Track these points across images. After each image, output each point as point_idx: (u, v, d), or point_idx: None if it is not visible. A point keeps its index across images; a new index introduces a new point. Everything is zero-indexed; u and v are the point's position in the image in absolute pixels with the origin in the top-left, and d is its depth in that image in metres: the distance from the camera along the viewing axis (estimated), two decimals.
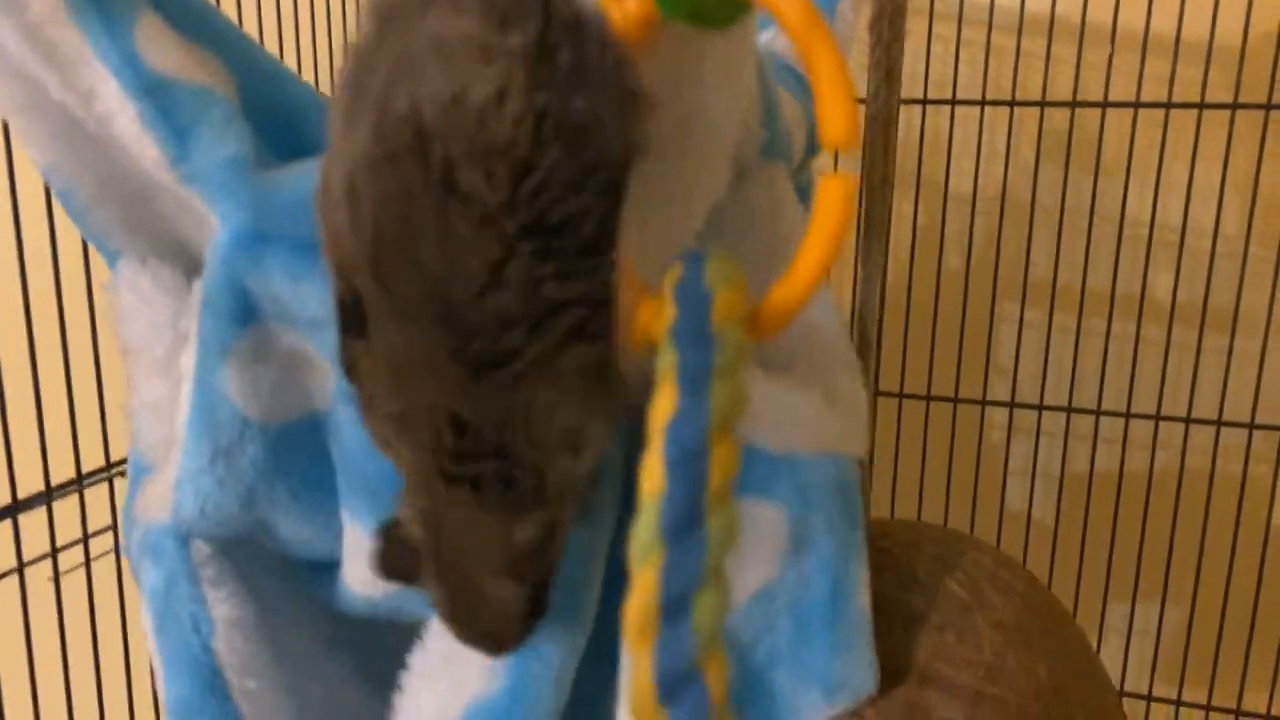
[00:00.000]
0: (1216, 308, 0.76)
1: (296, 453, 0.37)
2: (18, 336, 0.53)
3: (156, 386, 0.41)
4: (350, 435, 0.35)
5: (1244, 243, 0.77)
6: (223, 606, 0.36)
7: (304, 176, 0.34)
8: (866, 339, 0.49)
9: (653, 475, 0.22)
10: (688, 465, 0.22)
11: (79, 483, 0.57)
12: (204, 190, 0.34)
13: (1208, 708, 0.77)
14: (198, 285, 0.36)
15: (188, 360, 0.36)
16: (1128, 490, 0.79)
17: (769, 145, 0.42)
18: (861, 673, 0.40)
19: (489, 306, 0.29)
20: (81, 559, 0.58)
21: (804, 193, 0.49)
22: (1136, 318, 0.76)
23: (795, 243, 0.28)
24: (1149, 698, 0.78)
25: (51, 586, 0.57)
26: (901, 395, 0.79)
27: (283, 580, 0.42)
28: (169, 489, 0.36)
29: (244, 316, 0.35)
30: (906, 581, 0.45)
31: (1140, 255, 0.77)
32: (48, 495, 0.55)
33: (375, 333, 0.30)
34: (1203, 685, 0.76)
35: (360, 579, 0.39)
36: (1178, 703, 0.77)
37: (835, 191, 0.25)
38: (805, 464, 0.39)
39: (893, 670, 0.43)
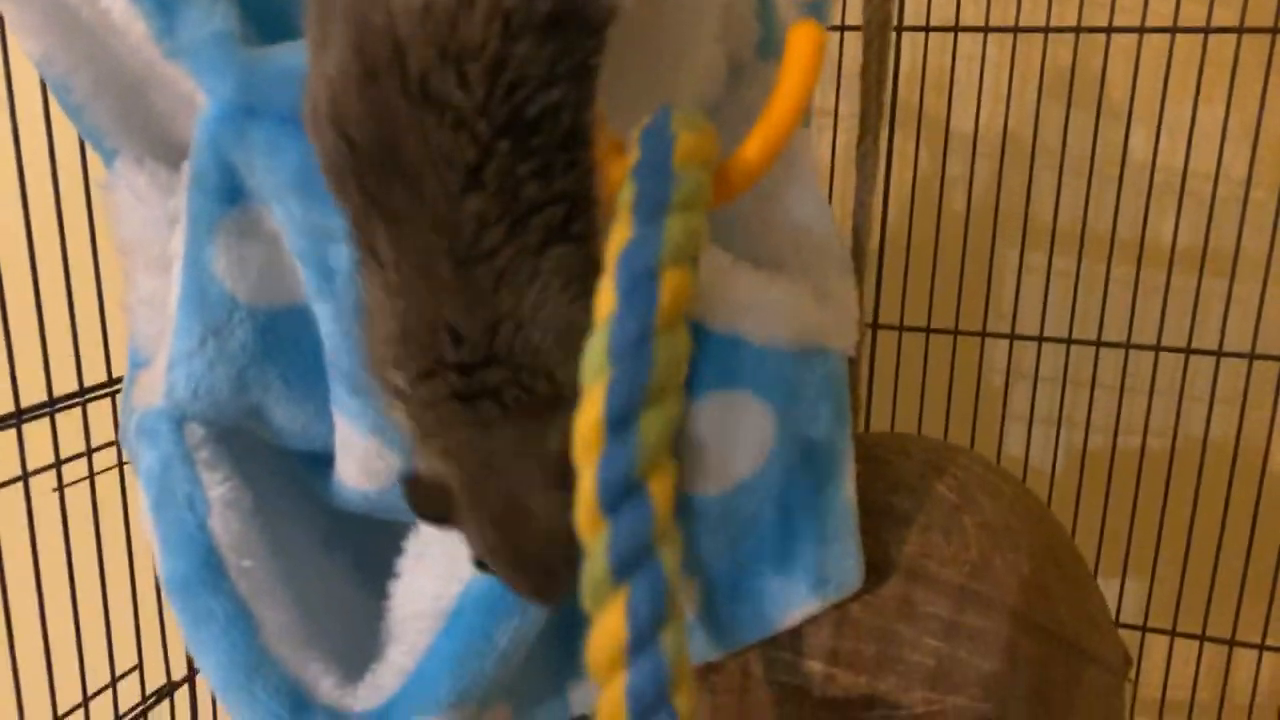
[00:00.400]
0: (1217, 250, 0.76)
1: (286, 340, 0.37)
2: (18, 247, 0.54)
3: (153, 283, 0.42)
4: (329, 333, 0.36)
5: (1245, 186, 0.76)
6: (218, 488, 0.37)
7: (289, 53, 0.34)
8: (861, 245, 0.49)
9: (604, 300, 0.22)
10: (638, 290, 0.22)
11: (81, 395, 0.58)
12: (191, 65, 0.34)
13: (1201, 638, 0.77)
14: (183, 175, 0.37)
15: (177, 242, 0.37)
16: (1125, 425, 0.79)
17: (764, 44, 0.42)
18: (847, 566, 0.41)
19: (469, 208, 0.29)
20: (86, 472, 0.59)
21: None
22: (1137, 260, 0.76)
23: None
24: (1144, 628, 0.79)
25: (56, 498, 0.58)
26: (901, 328, 0.79)
27: (279, 474, 0.42)
28: (161, 375, 0.37)
29: (231, 195, 0.35)
30: (895, 485, 0.46)
31: (1141, 197, 0.77)
32: (50, 405, 0.56)
33: (370, 248, 0.31)
34: (1197, 616, 0.77)
35: (352, 474, 0.39)
36: (1172, 633, 0.78)
37: (805, 40, 0.25)
38: (793, 357, 0.39)
39: (880, 567, 0.43)
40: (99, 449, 0.60)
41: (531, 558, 0.33)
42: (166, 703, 0.67)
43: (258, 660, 0.36)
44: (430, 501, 0.33)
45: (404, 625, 0.39)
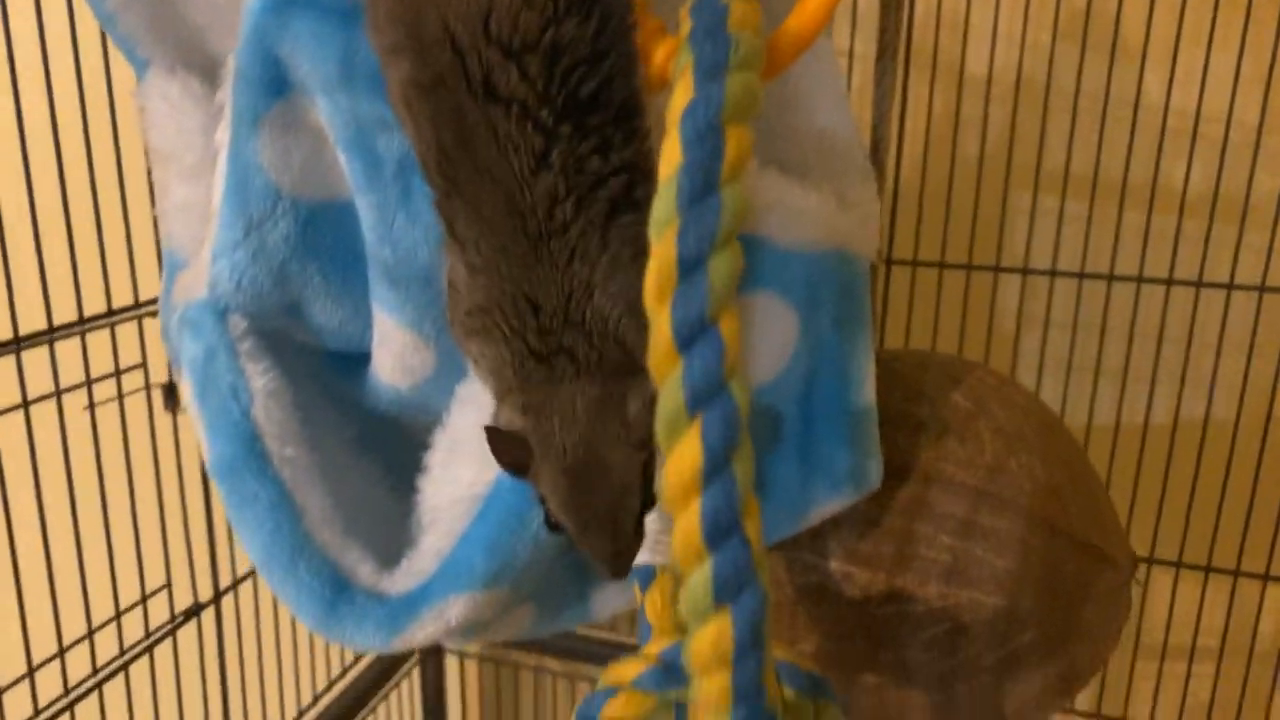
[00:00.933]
0: (1228, 193, 0.76)
1: (326, 235, 0.38)
2: (49, 171, 0.54)
3: (187, 190, 0.43)
4: (373, 225, 0.37)
5: (1257, 130, 0.76)
6: (261, 379, 0.38)
7: None
8: (880, 160, 0.50)
9: (670, 156, 0.23)
10: (703, 142, 0.23)
11: (109, 315, 0.59)
12: None
13: (1207, 569, 0.79)
14: (231, 59, 0.37)
15: (222, 134, 0.37)
16: (1135, 361, 0.80)
17: None
18: (867, 466, 0.42)
19: (539, 189, 0.32)
20: (115, 392, 0.60)
21: None
22: (1149, 202, 0.77)
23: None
24: (1150, 560, 0.80)
25: (88, 415, 0.59)
26: (915, 263, 0.79)
27: (314, 378, 0.43)
28: (205, 266, 0.38)
29: (276, 86, 0.36)
30: (913, 395, 0.47)
31: (1154, 141, 0.77)
32: (81, 324, 0.57)
33: (451, 227, 0.34)
34: (1203, 547, 0.78)
35: (388, 369, 0.40)
36: (1178, 564, 0.79)
37: None
38: (816, 260, 0.40)
39: (898, 471, 0.44)
40: (127, 371, 0.61)
41: (604, 515, 0.34)
42: (194, 624, 0.69)
43: (301, 543, 0.37)
44: (510, 452, 0.35)
45: (439, 513, 0.40)
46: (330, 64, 0.34)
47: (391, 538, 0.41)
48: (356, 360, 0.43)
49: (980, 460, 0.44)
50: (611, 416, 0.34)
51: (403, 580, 0.39)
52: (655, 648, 0.34)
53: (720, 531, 0.22)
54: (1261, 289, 0.73)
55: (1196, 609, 0.82)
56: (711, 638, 0.23)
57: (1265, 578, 0.78)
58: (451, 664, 1.03)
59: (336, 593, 0.38)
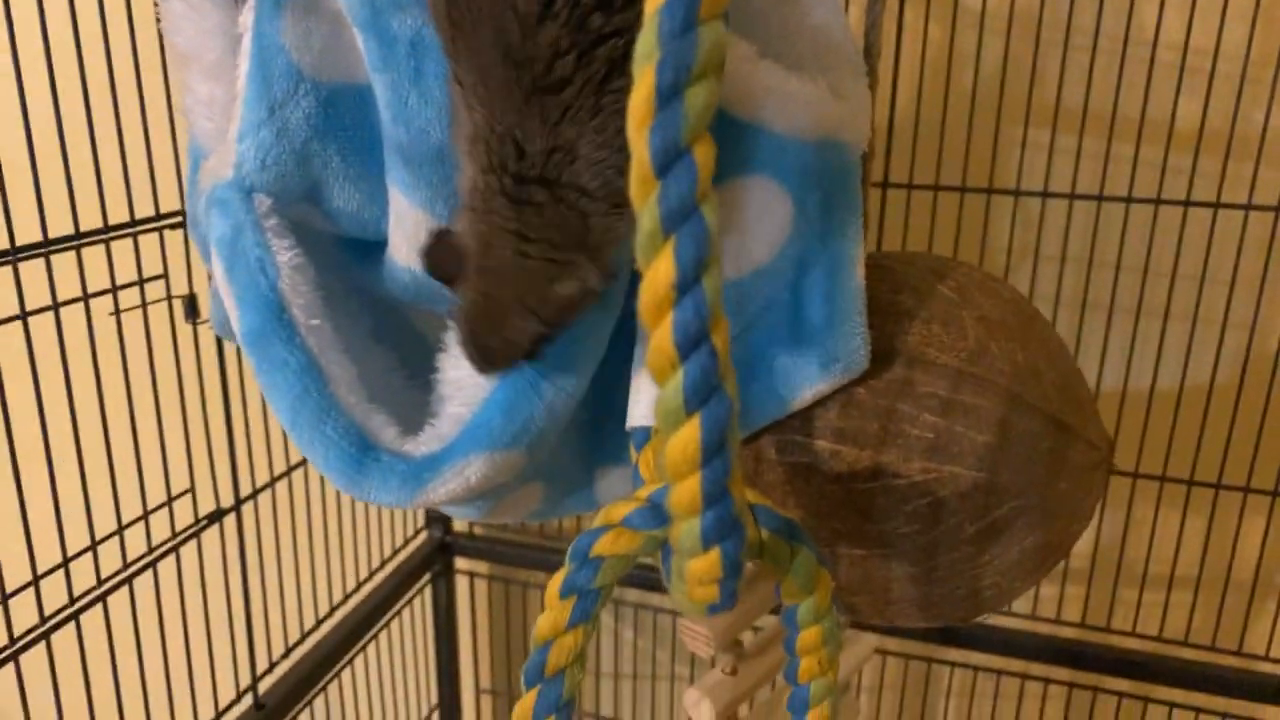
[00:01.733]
0: (1213, 129, 0.78)
1: (344, 116, 0.40)
2: (75, 87, 0.57)
3: (208, 87, 0.45)
4: (388, 103, 0.39)
5: (1243, 62, 0.78)
6: (286, 254, 0.40)
7: None
8: (873, 60, 0.51)
9: None
10: None
11: (132, 225, 0.62)
12: None
13: (1190, 483, 0.82)
14: None
15: (246, 16, 0.39)
16: (1124, 280, 0.82)
17: None
18: (855, 346, 0.45)
19: (543, 38, 0.33)
20: (139, 301, 0.63)
21: None
22: (1136, 138, 0.78)
23: None
24: (1135, 474, 0.83)
25: (113, 321, 0.62)
26: (911, 186, 0.81)
27: (335, 269, 0.46)
28: (232, 146, 0.40)
29: None
30: (900, 286, 0.49)
31: (1142, 75, 0.79)
32: (106, 231, 0.60)
33: (455, 69, 0.36)
34: (1186, 462, 0.81)
35: (403, 251, 0.43)
36: (1162, 479, 0.82)
37: None
38: (809, 147, 0.42)
39: (885, 356, 0.47)
40: (149, 280, 0.64)
41: (484, 345, 0.40)
42: (216, 529, 0.72)
43: (328, 405, 0.40)
44: (444, 262, 0.39)
45: (460, 385, 0.43)
46: None
47: (412, 411, 0.44)
48: (373, 251, 0.46)
49: (962, 344, 0.47)
50: (539, 282, 0.38)
51: (426, 443, 0.42)
52: (644, 492, 0.37)
53: (690, 342, 0.24)
54: (1248, 207, 0.76)
55: (1180, 519, 0.85)
56: (682, 443, 0.26)
57: (1246, 490, 0.81)
58: (461, 582, 1.06)
59: (363, 451, 0.40)
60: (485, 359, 0.40)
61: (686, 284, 0.24)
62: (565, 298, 0.38)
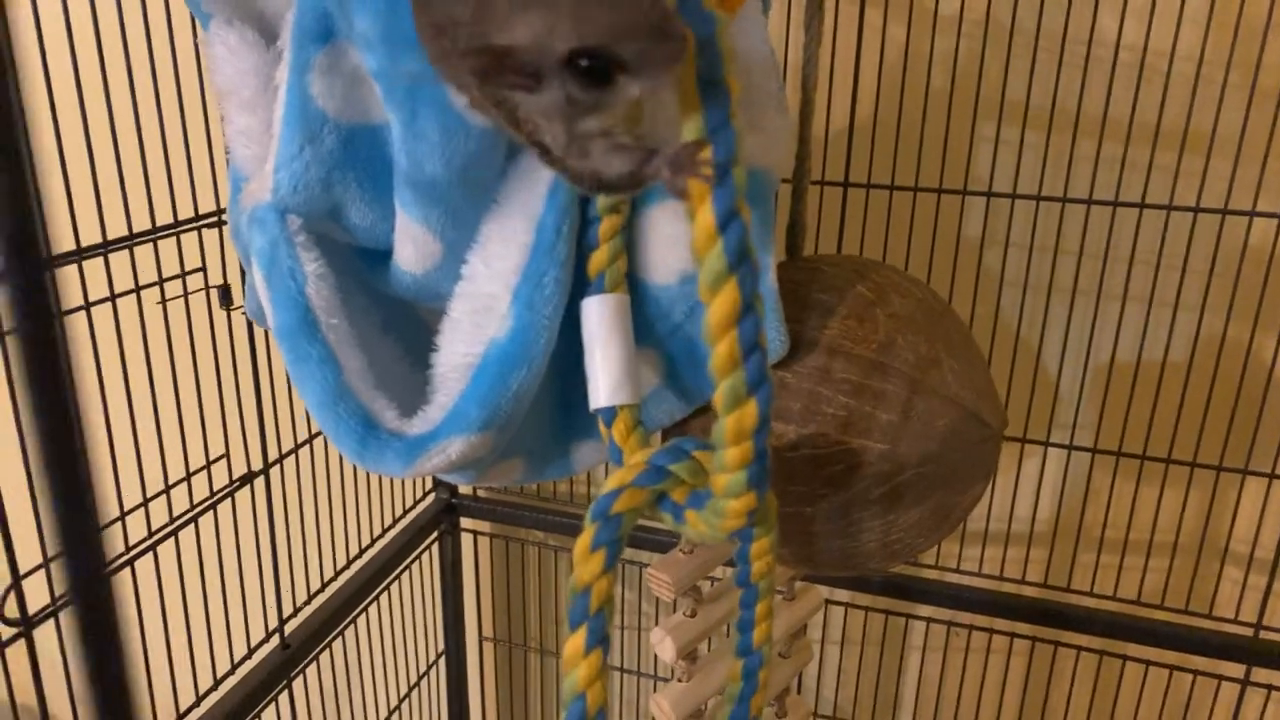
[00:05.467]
0: (1169, 126, 0.85)
1: (361, 151, 0.49)
2: (127, 109, 0.66)
3: (245, 119, 0.54)
4: (398, 137, 0.47)
5: (1198, 63, 0.85)
6: (312, 265, 0.49)
7: None
8: (809, 94, 0.60)
9: (690, 101, 0.35)
10: (716, 89, 0.35)
11: (175, 226, 0.71)
12: None
13: (1168, 461, 0.89)
14: (290, 14, 0.48)
15: (282, 73, 0.48)
16: (1085, 265, 0.90)
17: None
18: (773, 338, 0.54)
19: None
20: (181, 291, 0.72)
21: None
22: (1099, 132, 0.86)
23: None
24: (1119, 454, 0.91)
25: (160, 310, 0.71)
26: (869, 186, 0.90)
27: (351, 271, 0.55)
28: (269, 176, 0.49)
29: (324, 36, 0.47)
30: (825, 286, 0.58)
31: (1105, 75, 0.86)
32: (154, 233, 0.69)
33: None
34: (1140, 437, 0.89)
35: (404, 258, 0.52)
36: (1143, 457, 0.90)
37: None
38: None
39: (809, 345, 0.56)
40: (190, 273, 0.73)
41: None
42: (248, 489, 0.82)
43: (342, 391, 0.49)
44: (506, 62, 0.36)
45: (445, 378, 0.52)
46: (364, 22, 0.45)
47: (411, 396, 0.53)
48: (383, 257, 0.55)
49: (875, 337, 0.56)
50: None
51: (418, 425, 0.51)
52: (640, 457, 0.47)
53: (728, 216, 0.34)
54: (1195, 210, 0.83)
55: (1157, 496, 0.94)
56: (740, 423, 0.38)
57: (1219, 469, 0.89)
58: (466, 540, 1.16)
59: (367, 430, 0.50)
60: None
61: (747, 311, 0.35)
62: None
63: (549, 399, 0.57)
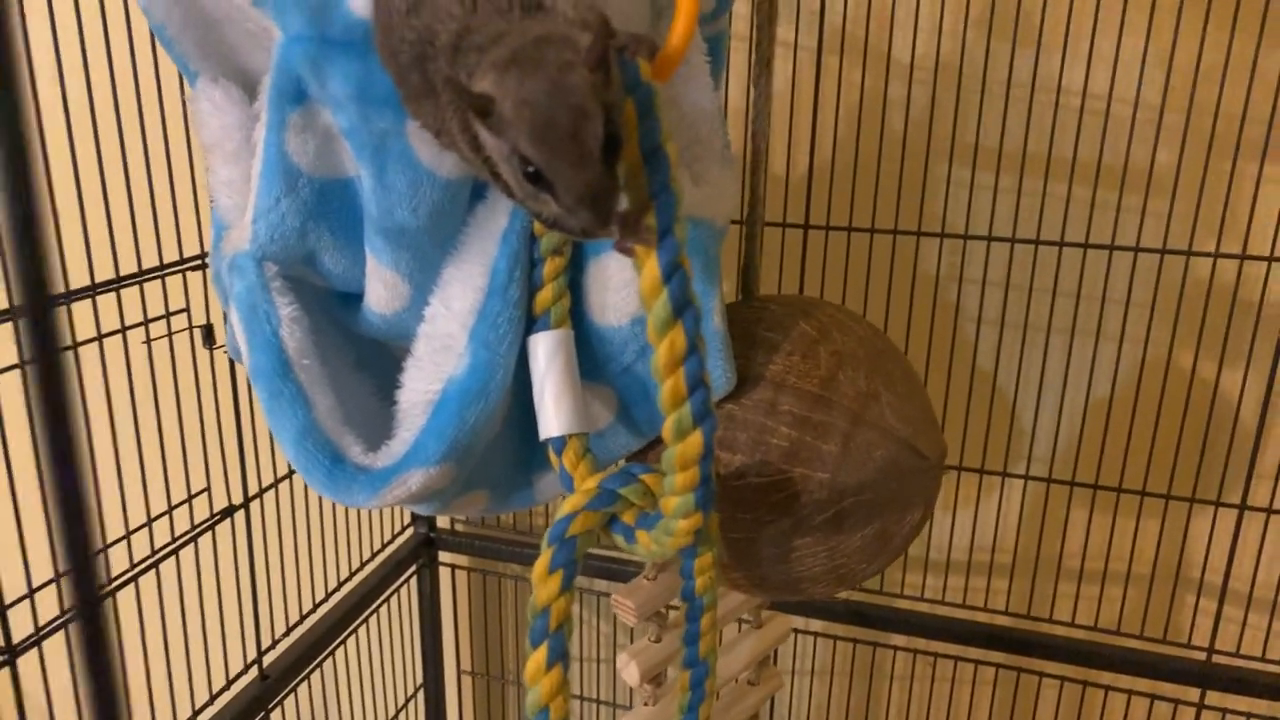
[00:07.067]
0: (1135, 168, 0.89)
1: (334, 203, 0.53)
2: (115, 153, 0.70)
3: (229, 170, 0.57)
4: (368, 188, 0.51)
5: (1159, 110, 0.89)
6: (286, 309, 0.53)
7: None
8: (759, 146, 0.64)
9: (633, 158, 0.39)
10: (657, 156, 0.39)
11: (161, 270, 0.74)
12: (271, 9, 0.49)
13: (1118, 490, 0.93)
14: (267, 77, 0.52)
15: (259, 132, 0.52)
16: (1035, 312, 0.94)
17: None
18: (720, 376, 0.57)
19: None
20: (165, 331, 0.76)
21: (716, 46, 0.63)
22: (1069, 174, 0.90)
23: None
24: (1072, 483, 0.94)
25: (145, 349, 0.74)
26: (850, 229, 0.93)
27: (326, 312, 0.58)
28: (248, 226, 0.52)
29: (297, 97, 0.50)
30: (771, 325, 0.62)
31: (1072, 121, 0.90)
32: (140, 276, 0.72)
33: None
34: (1116, 471, 0.93)
35: (373, 300, 0.55)
36: (1095, 486, 0.94)
37: None
38: None
39: (755, 380, 0.59)
40: (174, 314, 0.77)
41: (568, 137, 0.37)
42: (229, 523, 0.85)
43: (311, 427, 0.52)
44: (475, 101, 0.38)
45: (407, 413, 0.55)
46: (334, 86, 0.48)
47: (378, 431, 0.56)
48: (357, 300, 0.58)
49: (817, 373, 0.59)
50: (561, 46, 0.37)
51: (382, 459, 0.54)
52: (592, 483, 0.50)
53: (671, 269, 0.39)
54: (1162, 251, 0.87)
55: (1109, 522, 0.97)
56: (688, 450, 0.43)
57: (1166, 497, 0.92)
58: (445, 573, 1.19)
59: (334, 464, 0.53)
60: (584, 183, 0.38)
61: (691, 351, 0.39)
62: (592, 47, 0.38)
63: (511, 432, 0.61)
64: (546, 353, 0.53)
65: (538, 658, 0.48)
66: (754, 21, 0.62)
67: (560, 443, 0.53)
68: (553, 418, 0.52)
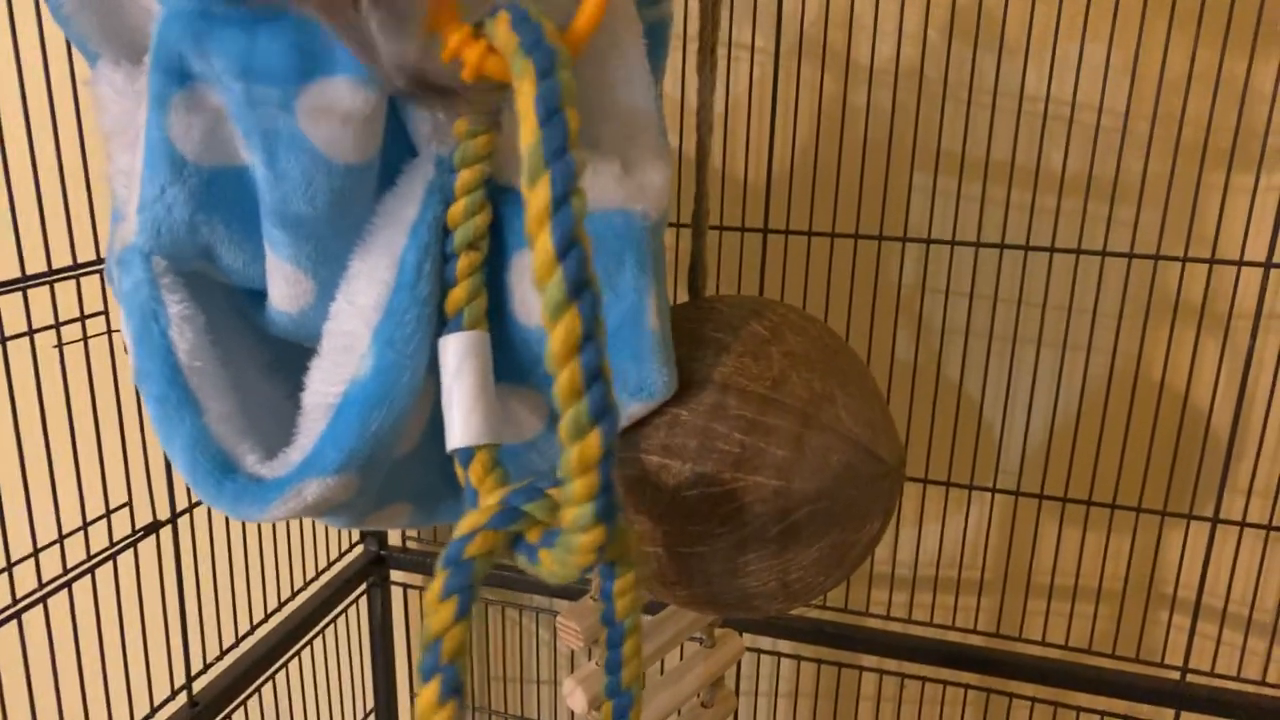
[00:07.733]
0: (1100, 176, 0.87)
1: (225, 193, 0.48)
2: (21, 146, 0.65)
3: (127, 158, 0.53)
4: (262, 177, 0.47)
5: (1124, 116, 0.87)
6: (175, 307, 0.48)
7: None
8: (704, 140, 0.60)
9: (529, 128, 0.34)
10: (555, 119, 0.35)
11: (75, 269, 0.70)
12: None
13: (1088, 503, 0.90)
14: (147, 58, 0.48)
15: (142, 115, 0.48)
16: (1002, 320, 0.91)
17: None
18: (658, 378, 0.53)
19: None
20: (80, 335, 0.71)
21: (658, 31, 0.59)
22: (1034, 182, 0.88)
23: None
24: (1041, 496, 0.91)
25: (57, 354, 0.70)
26: (810, 233, 0.90)
27: (232, 311, 0.54)
28: (133, 218, 0.48)
29: (180, 77, 0.46)
30: (721, 325, 0.58)
31: (1036, 126, 0.88)
32: (50, 275, 0.68)
33: None
34: (1085, 484, 0.90)
35: (276, 298, 0.51)
36: (1064, 499, 0.91)
37: None
38: (602, 217, 0.50)
39: (703, 382, 0.55)
40: (91, 316, 0.72)
41: None
42: (153, 540, 0.80)
43: (200, 435, 0.48)
44: None
45: (308, 416, 0.51)
46: (217, 62, 0.44)
47: (281, 438, 0.52)
48: (263, 296, 0.54)
49: (768, 374, 0.55)
50: None
51: (277, 468, 0.50)
52: (494, 499, 0.45)
53: (567, 243, 0.34)
54: (1130, 255, 0.85)
55: (1080, 536, 0.94)
56: (585, 454, 0.37)
57: (1137, 510, 0.89)
58: (397, 593, 1.14)
59: (224, 474, 0.48)
60: None
61: (588, 340, 0.34)
62: None
63: (433, 442, 0.56)
64: (457, 356, 0.48)
65: (429, 695, 0.44)
66: (701, 6, 0.58)
67: (468, 455, 0.49)
68: (459, 427, 0.48)
